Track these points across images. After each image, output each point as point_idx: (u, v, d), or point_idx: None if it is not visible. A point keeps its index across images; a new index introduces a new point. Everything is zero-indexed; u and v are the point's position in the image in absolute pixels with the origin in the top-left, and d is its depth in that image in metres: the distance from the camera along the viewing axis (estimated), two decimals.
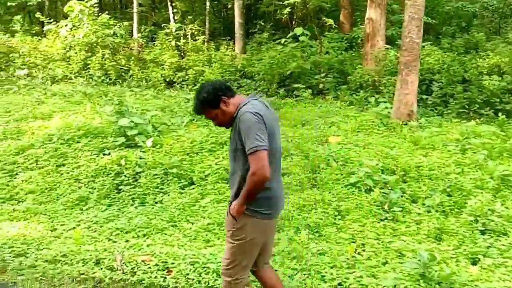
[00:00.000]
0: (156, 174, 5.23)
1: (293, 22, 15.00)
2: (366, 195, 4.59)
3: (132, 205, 4.83)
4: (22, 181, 5.30)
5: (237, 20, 12.46)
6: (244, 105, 2.43)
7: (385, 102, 7.40)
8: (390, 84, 8.27)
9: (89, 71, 11.85)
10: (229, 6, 16.85)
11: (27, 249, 3.88)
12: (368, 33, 9.31)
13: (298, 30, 10.15)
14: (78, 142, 6.07)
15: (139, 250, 3.76)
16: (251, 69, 11.17)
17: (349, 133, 6.43)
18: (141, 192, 4.99)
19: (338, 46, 11.17)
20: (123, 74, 11.90)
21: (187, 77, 11.42)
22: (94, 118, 7.17)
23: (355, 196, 4.57)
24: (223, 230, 4.16)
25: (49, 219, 4.57)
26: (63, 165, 5.58)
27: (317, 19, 14.02)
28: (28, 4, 16.47)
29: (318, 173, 5.15)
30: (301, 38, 10.12)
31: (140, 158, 5.46)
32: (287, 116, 7.67)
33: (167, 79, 11.65)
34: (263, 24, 15.33)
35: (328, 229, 4.06)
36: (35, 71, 12.01)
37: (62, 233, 4.26)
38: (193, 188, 5.06)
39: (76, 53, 12.41)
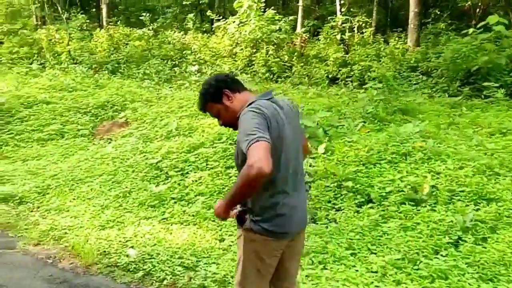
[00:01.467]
0: (328, 186, 4.63)
1: (477, 10, 12.99)
2: None
3: None
4: (192, 181, 5.22)
5: (412, 9, 11.15)
6: (249, 104, 2.09)
7: None
8: None
9: (253, 67, 11.90)
10: None
11: (196, 262, 3.64)
12: None
13: (493, 19, 8.51)
14: None
15: (317, 284, 3.19)
16: (426, 64, 9.88)
17: None
18: (312, 205, 4.44)
19: None
20: (285, 70, 11.66)
21: (352, 73, 10.63)
22: None
23: None
24: (416, 268, 3.36)
25: (217, 226, 4.32)
26: (232, 167, 5.36)
27: (508, 5, 11.88)
28: (200, 2, 17.56)
29: None
30: (496, 28, 8.46)
31: (310, 166, 4.92)
32: (479, 122, 6.39)
33: (330, 76, 11.04)
34: (439, 13, 13.63)
35: None
36: (205, 67, 12.54)
37: (230, 245, 3.95)
38: (372, 208, 4.32)
39: (242, 49, 12.60)
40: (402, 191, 4.41)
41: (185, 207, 4.72)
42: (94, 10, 20.98)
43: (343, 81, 10.62)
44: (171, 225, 4.37)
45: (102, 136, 7.90)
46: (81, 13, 16.18)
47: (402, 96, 7.55)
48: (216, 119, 2.30)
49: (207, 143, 5.98)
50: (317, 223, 4.23)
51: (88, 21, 16.04)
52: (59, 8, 15.62)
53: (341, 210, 4.38)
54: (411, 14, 11.26)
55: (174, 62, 12.88)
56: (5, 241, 4.11)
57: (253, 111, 1.99)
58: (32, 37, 15.01)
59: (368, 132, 6.02)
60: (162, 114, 7.96)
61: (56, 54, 14.18)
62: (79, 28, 15.27)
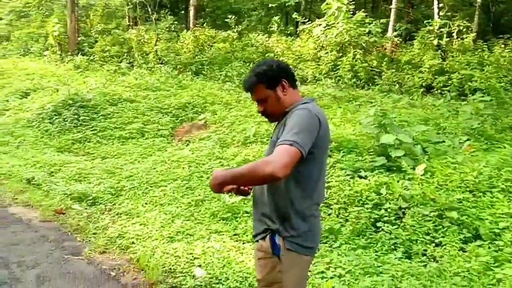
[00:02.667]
0: (426, 215, 3.94)
1: None
2: None
3: (393, 252, 3.70)
4: None
5: None
6: (304, 102, 2.00)
7: None
8: None
9: (338, 72, 11.25)
10: None
11: None
12: None
13: None
14: (329, 156, 5.28)
15: None
16: None
17: None
18: (406, 236, 3.79)
19: None
20: (374, 76, 10.87)
21: (450, 82, 9.58)
22: (345, 128, 6.32)
23: None
24: None
25: None
26: None
27: None
28: (286, 4, 17.19)
29: None
30: None
31: (406, 189, 4.26)
32: None
33: (424, 84, 10.06)
34: None
35: None
36: None
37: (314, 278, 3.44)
38: (481, 246, 3.58)
39: (327, 53, 12.01)
40: None
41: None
42: (182, 12, 21.49)
43: (439, 91, 9.61)
44: (243, 243, 3.96)
45: (181, 138, 7.78)
46: (170, 15, 16.58)
47: None
48: (257, 104, 2.08)
49: None
50: (413, 259, 3.59)
51: (176, 22, 16.38)
52: (149, 10, 16.09)
53: (443, 245, 3.68)
54: None
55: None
56: (72, 246, 3.96)
57: (310, 111, 1.89)
58: (123, 36, 15.61)
59: (474, 151, 5.20)
60: (241, 118, 7.66)
61: (144, 54, 14.61)
62: (167, 29, 15.64)
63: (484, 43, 10.95)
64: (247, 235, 4.08)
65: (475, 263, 3.37)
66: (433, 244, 3.72)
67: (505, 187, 4.14)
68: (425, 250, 3.66)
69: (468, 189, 4.22)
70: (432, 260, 3.56)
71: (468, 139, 5.50)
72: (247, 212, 4.45)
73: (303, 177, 1.91)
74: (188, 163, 5.96)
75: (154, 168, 5.94)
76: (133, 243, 3.92)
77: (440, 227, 3.84)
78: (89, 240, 4.07)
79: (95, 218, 4.54)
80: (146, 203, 4.89)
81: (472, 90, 8.96)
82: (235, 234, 4.12)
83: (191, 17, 16.35)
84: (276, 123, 2.07)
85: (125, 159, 6.62)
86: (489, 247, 3.55)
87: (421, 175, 4.41)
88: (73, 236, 4.18)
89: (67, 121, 8.30)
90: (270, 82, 2.00)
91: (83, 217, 4.55)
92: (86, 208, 4.83)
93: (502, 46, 10.57)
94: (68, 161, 6.48)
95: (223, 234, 4.10)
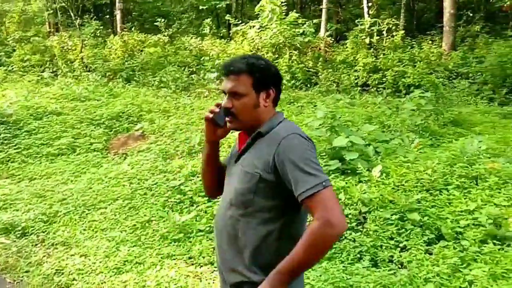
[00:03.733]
0: (388, 218, 3.84)
1: None
2: None
3: (360, 262, 3.53)
4: None
5: (448, 10, 10.33)
6: (281, 121, 1.69)
7: None
8: None
9: None
10: None
11: None
12: None
13: None
14: None
15: None
16: (467, 69, 9.05)
17: None
18: (371, 243, 3.65)
19: None
20: (311, 77, 10.89)
21: (384, 79, 9.82)
22: None
23: None
24: None
25: None
26: None
27: None
28: (216, 7, 16.91)
29: None
30: None
31: (364, 193, 4.13)
32: None
33: (359, 82, 10.24)
34: (471, 14, 12.82)
35: None
36: None
37: None
38: (446, 247, 3.51)
39: (262, 54, 11.88)
40: (481, 225, 3.60)
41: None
42: (107, 16, 20.48)
43: (374, 88, 9.81)
44: (200, 266, 3.61)
45: (117, 151, 7.20)
46: (95, 20, 15.64)
47: (452, 106, 6.73)
48: (225, 96, 1.71)
49: None
50: (380, 267, 3.44)
51: (101, 27, 15.48)
52: (72, 15, 15.08)
53: (408, 249, 3.58)
54: (446, 16, 10.44)
55: (191, 69, 12.22)
56: None
57: (306, 139, 1.60)
58: (44, 44, 14.49)
59: (421, 148, 5.23)
60: (182, 126, 7.25)
61: (68, 62, 13.62)
62: (92, 35, 14.72)
63: (413, 40, 11.38)
64: (203, 257, 3.73)
65: (443, 266, 3.28)
66: (398, 249, 3.61)
67: (460, 184, 4.14)
68: (391, 256, 3.53)
69: (424, 188, 4.17)
70: (400, 266, 3.44)
71: (416, 137, 5.51)
72: (201, 231, 4.10)
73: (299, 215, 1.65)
74: (129, 179, 5.48)
75: (90, 188, 5.39)
76: (74, 279, 3.43)
77: (403, 230, 3.74)
78: (21, 281, 3.51)
79: (26, 253, 3.96)
80: (84, 229, 4.37)
81: (406, 86, 9.24)
82: (189, 258, 3.76)
83: (118, 21, 15.53)
84: (243, 147, 1.72)
85: (55, 179, 5.97)
86: (454, 247, 3.49)
87: (378, 177, 4.31)
88: (1, 278, 3.59)
89: None
90: (259, 81, 1.67)
91: (12, 253, 3.95)
92: (15, 241, 4.21)
93: (430, 42, 11.04)
94: None
95: (176, 259, 3.72)
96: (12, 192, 5.43)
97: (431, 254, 3.51)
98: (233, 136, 5.83)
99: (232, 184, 1.70)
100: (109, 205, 4.83)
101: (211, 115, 1.75)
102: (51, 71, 13.26)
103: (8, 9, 17.58)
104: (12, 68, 13.59)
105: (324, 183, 1.49)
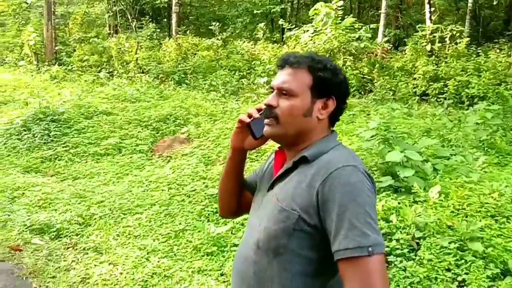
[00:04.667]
0: (445, 247, 3.37)
1: None
2: None
3: None
4: None
5: None
6: (334, 146, 1.31)
7: None
8: None
9: None
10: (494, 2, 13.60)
11: None
12: None
13: None
14: None
15: None
16: None
17: None
18: (424, 273, 3.21)
19: None
20: (365, 84, 10.38)
21: (445, 89, 9.14)
22: (342, 141, 5.74)
23: None
24: None
25: None
26: None
27: None
28: (271, 11, 16.71)
29: None
30: None
31: (419, 215, 3.68)
32: None
33: (418, 91, 9.60)
34: None
35: None
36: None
37: None
38: None
39: None
40: None
41: None
42: (164, 20, 20.89)
43: (434, 98, 9.15)
44: None
45: (162, 153, 7.12)
46: (152, 23, 15.95)
47: None
48: (273, 92, 1.39)
49: None
50: None
51: (158, 30, 15.76)
52: (129, 18, 15.46)
53: (467, 284, 3.11)
54: None
55: (242, 73, 12.07)
56: None
57: (366, 176, 1.23)
58: (103, 45, 14.93)
59: (486, 167, 4.67)
60: (227, 131, 7.04)
61: (124, 63, 13.94)
62: (148, 37, 15.01)
63: (478, 48, 10.57)
64: None
65: None
66: (456, 283, 3.15)
67: None
68: None
69: (489, 214, 3.67)
70: None
71: (480, 154, 4.95)
72: (235, 245, 3.82)
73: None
74: (168, 184, 5.32)
75: (130, 191, 5.28)
76: None
77: (463, 261, 3.27)
78: (46, 287, 3.40)
79: (57, 256, 3.86)
80: (118, 235, 4.22)
81: (470, 97, 8.54)
82: (221, 274, 3.49)
83: (174, 24, 15.73)
84: (280, 172, 1.37)
85: (98, 179, 5.94)
86: None
87: (435, 199, 3.84)
88: (28, 281, 3.49)
89: (36, 137, 7.57)
90: (319, 84, 1.34)
91: (42, 256, 3.86)
92: (47, 243, 4.14)
93: (497, 51, 10.20)
94: (34, 184, 5.76)
95: (207, 275, 3.47)
96: (53, 190, 5.42)
97: None
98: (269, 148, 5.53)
99: (262, 220, 1.34)
100: (145, 210, 4.68)
101: (248, 120, 1.44)
102: (107, 71, 13.61)
103: (72, 11, 18.36)
104: (72, 68, 14.09)
105: (371, 248, 1.13)
